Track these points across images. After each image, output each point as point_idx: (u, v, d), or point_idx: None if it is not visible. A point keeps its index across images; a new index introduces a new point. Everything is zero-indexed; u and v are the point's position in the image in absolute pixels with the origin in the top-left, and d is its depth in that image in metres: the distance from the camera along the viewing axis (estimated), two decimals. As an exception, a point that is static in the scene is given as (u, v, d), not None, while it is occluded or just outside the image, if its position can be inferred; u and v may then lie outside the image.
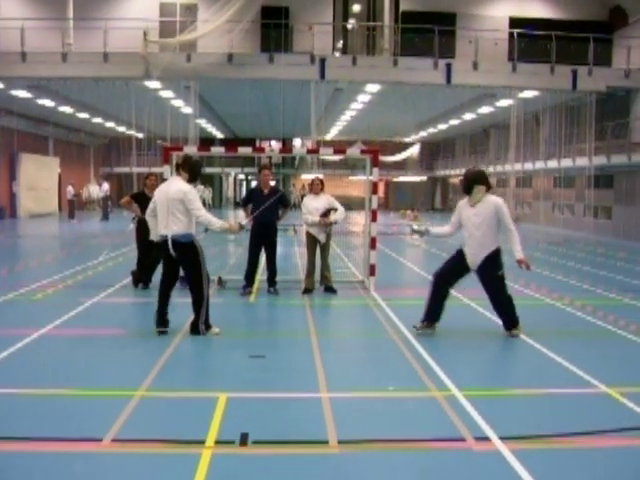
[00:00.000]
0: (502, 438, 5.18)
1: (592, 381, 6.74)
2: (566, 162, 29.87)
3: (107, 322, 8.84)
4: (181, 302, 11.09)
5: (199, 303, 8.55)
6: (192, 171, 8.55)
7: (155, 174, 12.84)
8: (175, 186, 8.35)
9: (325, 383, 6.61)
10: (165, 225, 8.35)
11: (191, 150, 16.71)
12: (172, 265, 8.60)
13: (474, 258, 8.55)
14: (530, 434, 5.35)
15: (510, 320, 8.74)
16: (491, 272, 8.56)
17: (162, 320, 8.62)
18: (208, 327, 8.65)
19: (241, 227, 9.03)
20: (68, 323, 9.08)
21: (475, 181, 8.65)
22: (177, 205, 8.25)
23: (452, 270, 8.78)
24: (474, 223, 8.52)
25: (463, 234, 8.75)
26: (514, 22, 26.86)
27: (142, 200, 12.04)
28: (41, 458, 4.80)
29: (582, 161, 28.31)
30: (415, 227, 9.75)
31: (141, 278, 12.11)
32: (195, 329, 8.59)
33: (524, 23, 26.15)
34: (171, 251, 8.37)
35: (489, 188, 8.69)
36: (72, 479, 4.50)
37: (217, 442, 5.07)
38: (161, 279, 8.76)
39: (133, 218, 12.36)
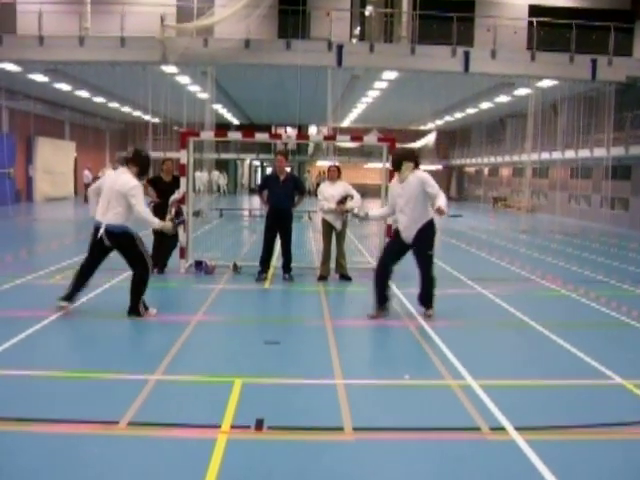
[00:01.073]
0: (517, 428, 5.17)
1: (607, 372, 6.72)
2: (584, 152, 29.61)
3: (123, 306, 8.86)
4: (198, 288, 11.16)
5: (139, 285, 8.60)
6: (141, 166, 8.63)
7: (171, 159, 12.87)
8: (122, 179, 8.40)
9: (340, 370, 6.62)
10: (103, 213, 8.42)
11: (208, 135, 16.83)
12: (99, 252, 8.60)
13: (408, 233, 8.82)
14: (545, 425, 5.34)
15: (427, 298, 9.02)
16: (423, 250, 8.85)
17: (71, 296, 8.67)
18: (146, 308, 8.71)
19: (173, 225, 9.13)
20: (84, 306, 9.12)
21: (404, 158, 8.90)
22: (119, 198, 8.31)
23: (392, 251, 9.10)
24: (403, 198, 8.78)
25: (395, 211, 9.00)
26: (534, 10, 26.57)
27: (158, 184, 12.11)
28: (58, 440, 4.83)
29: (600, 152, 28.05)
30: (355, 211, 10.20)
31: (157, 262, 12.14)
32: (134, 310, 8.63)
33: (544, 11, 25.87)
34: (104, 239, 8.40)
35: (417, 165, 8.91)
36: (89, 461, 4.53)
37: (233, 427, 5.10)
38: (84, 261, 8.75)
39: (149, 203, 12.38)
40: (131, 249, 8.52)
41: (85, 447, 4.73)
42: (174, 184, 12.05)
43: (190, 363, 6.81)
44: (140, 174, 8.62)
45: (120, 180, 8.39)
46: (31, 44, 22.17)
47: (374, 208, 10.11)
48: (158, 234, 12.12)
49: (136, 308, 8.62)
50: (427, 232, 8.79)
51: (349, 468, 4.54)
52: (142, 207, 8.38)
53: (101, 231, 8.36)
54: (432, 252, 8.89)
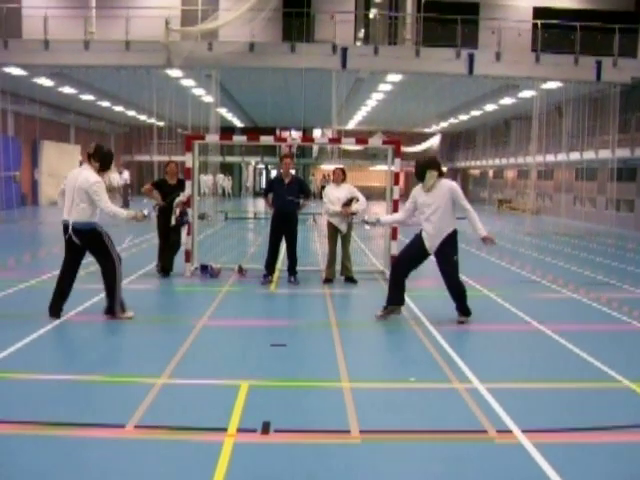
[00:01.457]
0: (524, 431, 5.16)
1: (615, 375, 6.69)
2: (589, 154, 29.54)
3: (129, 309, 8.88)
4: (204, 291, 11.18)
5: (112, 286, 8.58)
6: (103, 161, 8.60)
7: (175, 161, 12.88)
8: (83, 175, 8.40)
9: (346, 373, 6.61)
10: (68, 211, 8.44)
11: (213, 139, 16.86)
12: (73, 252, 8.61)
13: (432, 241, 8.77)
14: (552, 427, 5.33)
15: (461, 307, 8.94)
16: (448, 256, 8.77)
17: (55, 306, 8.62)
18: (123, 310, 8.69)
19: (144, 216, 9.02)
20: (90, 310, 9.14)
21: (427, 167, 8.81)
22: (81, 194, 8.31)
23: (411, 256, 9.02)
24: (430, 208, 8.72)
25: (420, 219, 8.93)
26: (538, 12, 26.56)
27: (163, 187, 12.13)
28: (64, 443, 4.84)
29: (605, 153, 27.99)
30: (365, 217, 10.10)
31: (165, 266, 12.16)
32: (110, 311, 8.62)
33: (548, 13, 25.85)
34: (73, 237, 8.41)
35: (441, 173, 8.85)
36: (95, 464, 4.53)
37: (239, 430, 5.10)
38: (61, 267, 8.76)
39: (154, 206, 12.41)
40: (98, 246, 8.51)
41: (92, 450, 4.73)
42: (179, 187, 12.05)
43: (196, 366, 6.82)
44: (101, 170, 8.58)
45: (81, 177, 8.38)
46: (36, 48, 22.25)
47: (385, 214, 10.02)
48: (162, 236, 12.17)
49: (112, 309, 8.61)
50: (452, 240, 8.76)
51: (356, 471, 4.54)
52: (105, 202, 8.34)
53: (69, 229, 8.37)
54: (457, 257, 8.82)
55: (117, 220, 8.86)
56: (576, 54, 23.44)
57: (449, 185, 8.77)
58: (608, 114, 27.62)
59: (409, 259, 9.02)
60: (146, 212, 9.07)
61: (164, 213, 11.88)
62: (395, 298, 9.01)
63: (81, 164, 9.28)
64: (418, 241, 8.91)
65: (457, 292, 8.90)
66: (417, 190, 8.98)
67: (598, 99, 29.08)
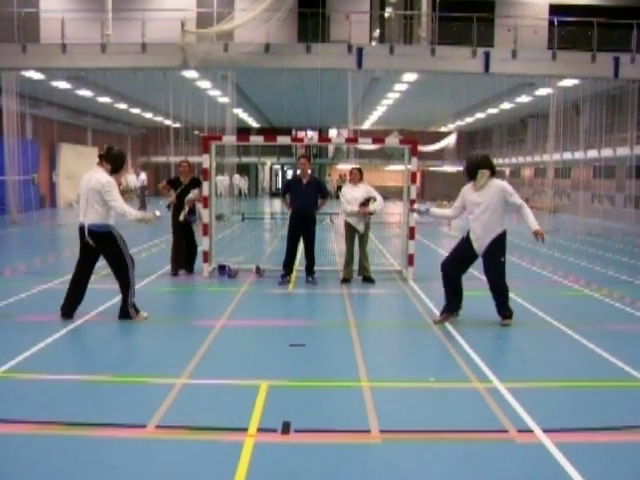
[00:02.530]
0: (545, 430, 5.14)
1: (636, 375, 6.65)
2: (606, 152, 29.33)
3: (148, 310, 8.93)
4: (222, 292, 11.21)
5: (126, 288, 8.65)
6: (115, 162, 8.66)
7: (187, 160, 13.01)
8: (95, 177, 8.47)
9: (365, 372, 6.61)
10: (83, 214, 8.52)
11: (230, 139, 16.90)
12: (88, 255, 8.68)
13: (480, 242, 8.61)
14: (573, 427, 5.30)
15: (503, 308, 8.80)
16: (495, 257, 8.63)
17: (68, 308, 8.69)
18: (137, 311, 8.74)
19: (155, 216, 9.08)
20: (109, 311, 9.19)
21: (479, 165, 8.68)
22: (95, 195, 8.39)
23: (459, 258, 8.85)
24: (480, 207, 8.57)
25: (468, 219, 8.79)
26: (554, 9, 26.39)
27: (176, 186, 12.30)
28: (86, 443, 4.88)
29: (623, 151, 27.78)
30: (416, 207, 9.98)
31: (180, 265, 12.31)
32: (124, 314, 8.68)
33: (564, 10, 25.68)
34: (87, 239, 8.48)
35: (493, 172, 8.71)
36: (116, 465, 4.56)
37: (259, 430, 5.11)
38: (75, 269, 8.82)
39: (168, 206, 12.52)
40: (112, 248, 8.57)
41: (113, 451, 4.77)
42: (191, 185, 12.18)
43: (216, 367, 6.85)
44: (113, 171, 8.65)
45: (93, 179, 8.46)
46: (54, 52, 22.39)
47: (437, 208, 9.92)
48: (177, 235, 12.30)
49: (126, 311, 8.68)
50: (501, 241, 8.62)
51: (377, 470, 4.53)
52: (118, 202, 8.40)
53: (85, 232, 8.44)
54: (504, 259, 8.70)
55: (127, 220, 8.90)
56: (593, 51, 23.24)
57: (500, 185, 8.63)
58: (626, 111, 27.41)
59: (458, 261, 8.83)
60: (158, 213, 9.14)
61: (177, 211, 12.09)
62: (450, 305, 8.84)
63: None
64: (466, 243, 8.75)
65: (500, 293, 8.76)
66: (467, 189, 8.83)
67: (616, 96, 28.87)
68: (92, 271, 8.89)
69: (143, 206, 32.51)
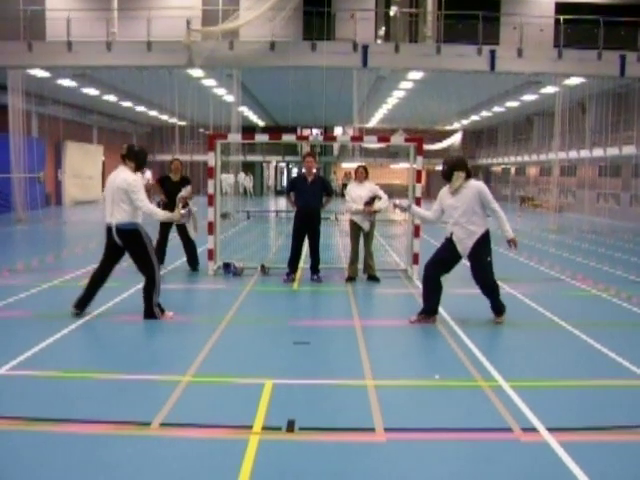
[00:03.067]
0: (550, 429, 5.13)
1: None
2: (612, 150, 29.28)
3: (167, 309, 8.95)
4: (227, 290, 11.23)
5: (150, 288, 8.68)
6: (137, 159, 8.70)
7: (179, 159, 13.04)
8: (121, 176, 8.49)
9: (370, 371, 6.61)
10: (110, 213, 8.51)
11: (235, 138, 16.90)
12: (113, 254, 8.70)
13: (464, 245, 8.52)
14: (578, 426, 5.29)
15: (495, 305, 8.76)
16: (481, 258, 8.53)
17: (84, 301, 8.76)
18: (162, 311, 8.77)
19: (182, 215, 9.17)
20: (114, 309, 9.22)
21: (454, 167, 8.60)
22: (121, 195, 8.39)
23: (443, 260, 8.74)
24: (458, 210, 8.48)
25: (449, 222, 8.67)
26: (560, 7, 26.33)
27: (167, 184, 12.35)
28: (90, 440, 4.88)
29: (629, 149, 27.71)
30: (397, 202, 9.89)
31: (161, 262, 12.30)
32: (149, 314, 8.70)
33: (570, 8, 25.61)
34: (116, 238, 8.49)
35: (469, 174, 8.62)
36: (121, 462, 4.57)
37: (264, 428, 5.11)
38: (98, 266, 8.85)
39: (158, 203, 12.56)
40: (139, 247, 8.58)
41: (118, 448, 4.78)
42: (182, 183, 12.19)
43: (221, 364, 6.85)
44: (137, 169, 8.71)
45: (119, 178, 8.48)
46: (60, 50, 22.45)
47: (419, 207, 9.84)
48: (163, 233, 12.35)
49: (151, 311, 8.70)
50: (484, 242, 8.51)
51: (381, 469, 4.53)
52: (143, 202, 8.45)
53: (113, 231, 8.47)
54: (490, 258, 8.60)
55: (154, 219, 8.93)
56: (599, 49, 23.19)
57: (477, 186, 8.52)
58: (632, 109, 27.34)
59: (442, 263, 8.74)
60: (183, 212, 9.15)
61: (168, 209, 12.09)
62: (428, 307, 8.79)
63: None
64: (449, 245, 8.67)
65: (490, 290, 8.71)
66: (444, 192, 8.76)
67: (622, 94, 28.79)
68: (112, 270, 8.91)
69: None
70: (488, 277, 8.66)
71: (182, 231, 12.41)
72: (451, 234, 8.64)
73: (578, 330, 8.40)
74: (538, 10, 26.21)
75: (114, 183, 8.48)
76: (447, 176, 8.64)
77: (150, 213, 8.62)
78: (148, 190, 10.49)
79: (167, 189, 12.27)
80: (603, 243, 20.08)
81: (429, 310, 8.78)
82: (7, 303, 9.52)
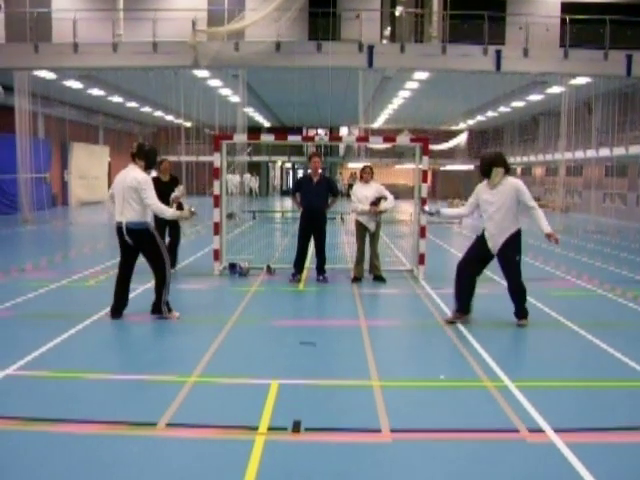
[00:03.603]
0: (556, 430, 5.12)
1: (648, 374, 6.62)
2: (619, 150, 29.19)
3: (175, 310, 8.96)
4: (233, 290, 11.23)
5: (160, 286, 8.70)
6: (148, 158, 8.71)
7: (167, 159, 13.03)
8: (131, 175, 8.49)
9: (376, 371, 6.61)
10: (120, 212, 8.52)
11: (241, 138, 16.92)
12: (128, 253, 8.71)
13: (495, 241, 8.53)
14: (585, 427, 5.28)
15: (520, 308, 8.72)
16: (510, 255, 8.53)
17: (117, 307, 8.77)
18: (169, 309, 8.78)
19: (192, 213, 9.11)
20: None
21: (493, 163, 8.58)
22: (131, 193, 8.41)
23: (475, 257, 8.75)
24: (494, 206, 8.49)
25: (482, 217, 8.70)
26: (566, 7, 26.26)
27: (157, 184, 12.33)
28: (96, 440, 4.89)
29: (636, 149, 27.64)
30: (426, 208, 9.83)
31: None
32: (156, 310, 8.74)
33: (576, 8, 25.54)
34: (126, 237, 8.51)
35: (507, 170, 8.62)
36: (127, 462, 4.58)
37: (270, 429, 5.12)
38: (118, 268, 8.87)
39: None
40: (150, 246, 8.61)
41: (123, 448, 4.78)
42: (172, 183, 12.18)
43: (227, 365, 6.86)
44: (147, 167, 8.72)
45: (129, 176, 8.49)
46: (66, 51, 22.49)
47: (448, 209, 9.81)
48: (159, 231, 12.38)
49: (159, 307, 8.74)
50: (516, 240, 8.53)
51: (387, 470, 4.53)
52: (153, 200, 8.47)
53: (123, 230, 8.48)
54: (520, 257, 8.61)
55: (164, 217, 8.93)
56: (605, 49, 23.12)
57: (515, 183, 8.53)
58: (639, 109, 27.25)
59: (474, 261, 8.73)
60: (193, 209, 9.16)
61: None
62: (461, 305, 8.76)
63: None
64: (480, 242, 8.67)
65: (518, 293, 8.67)
66: (481, 187, 8.75)
67: (628, 94, 28.71)
68: (134, 268, 8.92)
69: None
70: (517, 277, 8.64)
71: (176, 230, 12.40)
72: (483, 230, 8.66)
73: (584, 330, 8.38)
74: (544, 10, 26.15)
75: (124, 182, 8.49)
76: (486, 172, 8.63)
77: (159, 212, 8.63)
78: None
79: (158, 189, 12.23)
80: (609, 243, 20.02)
81: (462, 309, 8.77)
82: (15, 303, 9.55)
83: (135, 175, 8.47)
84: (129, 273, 8.85)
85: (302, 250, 11.87)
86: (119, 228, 8.55)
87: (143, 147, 8.80)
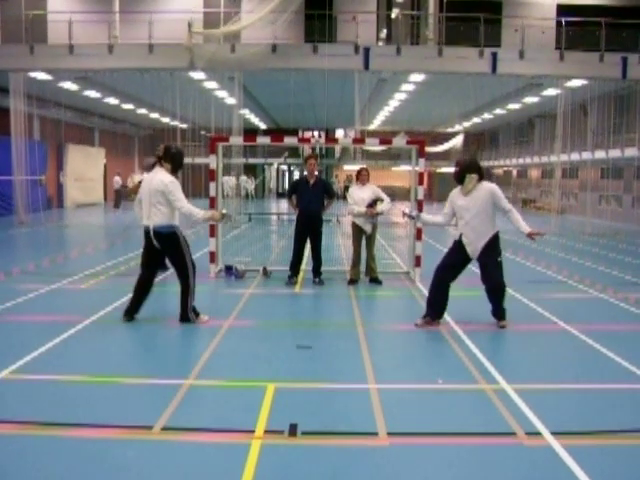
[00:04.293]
0: (554, 433, 5.10)
1: (645, 376, 6.61)
2: (614, 152, 29.25)
3: (155, 311, 8.93)
4: (228, 293, 11.20)
5: (186, 292, 8.63)
6: (174, 161, 8.59)
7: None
8: (157, 178, 8.42)
9: (373, 374, 6.58)
10: (147, 216, 8.46)
11: (237, 140, 16.91)
12: (152, 256, 8.68)
13: (474, 246, 8.53)
14: (583, 430, 5.26)
15: (498, 308, 8.72)
16: (492, 257, 8.53)
17: (130, 310, 8.70)
18: (196, 314, 8.72)
19: (223, 215, 9.04)
20: (115, 312, 9.17)
21: (467, 170, 8.58)
22: (158, 197, 8.34)
23: (453, 263, 8.72)
24: (470, 212, 8.49)
25: (459, 224, 8.68)
26: (562, 9, 26.34)
27: None
28: (91, 444, 4.86)
29: (631, 151, 27.68)
30: (406, 210, 9.79)
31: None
32: (184, 317, 8.65)
33: (572, 10, 25.61)
34: (154, 241, 8.46)
35: (481, 176, 8.62)
36: (122, 466, 4.55)
37: (266, 432, 5.09)
38: (140, 270, 8.82)
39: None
40: (176, 250, 8.53)
41: (119, 452, 4.75)
42: None
43: (222, 368, 6.83)
44: (174, 170, 8.60)
45: (156, 179, 8.42)
46: (61, 53, 22.47)
47: (427, 215, 9.83)
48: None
49: (186, 315, 8.64)
50: (495, 243, 8.54)
51: (384, 473, 4.51)
52: (182, 202, 8.36)
53: (151, 234, 8.43)
54: (501, 258, 8.62)
55: (194, 219, 8.84)
56: (601, 51, 23.17)
57: (490, 188, 8.54)
58: (634, 111, 27.31)
59: (451, 268, 8.71)
60: (224, 211, 9.07)
61: None
62: (433, 311, 8.73)
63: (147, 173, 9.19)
64: (458, 247, 8.66)
65: (498, 291, 8.65)
66: (455, 193, 8.75)
67: (624, 96, 28.77)
68: (156, 274, 8.88)
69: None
70: (498, 277, 8.63)
71: None
72: (460, 236, 8.63)
73: (579, 332, 8.37)
74: (540, 12, 26.22)
75: (151, 185, 8.42)
76: (459, 179, 8.63)
77: (189, 214, 8.51)
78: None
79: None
80: (605, 245, 20.04)
81: (434, 315, 8.74)
82: (16, 304, 9.52)
83: (162, 178, 8.38)
84: (151, 277, 8.77)
85: (298, 252, 11.85)
86: (147, 232, 8.48)
87: (170, 149, 8.66)
